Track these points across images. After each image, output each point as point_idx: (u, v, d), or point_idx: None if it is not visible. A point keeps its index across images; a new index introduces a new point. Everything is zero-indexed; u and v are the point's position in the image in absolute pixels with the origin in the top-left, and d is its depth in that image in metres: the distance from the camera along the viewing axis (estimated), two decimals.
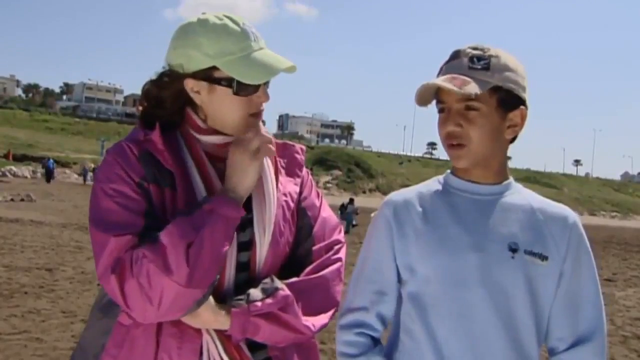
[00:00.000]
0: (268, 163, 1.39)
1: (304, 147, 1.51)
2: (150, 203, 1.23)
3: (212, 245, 1.16)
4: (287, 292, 1.25)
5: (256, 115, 1.32)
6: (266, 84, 1.31)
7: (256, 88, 1.29)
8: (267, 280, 1.27)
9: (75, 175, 36.33)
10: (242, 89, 1.27)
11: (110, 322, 1.29)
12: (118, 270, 1.15)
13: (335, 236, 1.42)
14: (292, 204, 1.40)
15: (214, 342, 1.24)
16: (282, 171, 1.43)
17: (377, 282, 1.38)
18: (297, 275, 1.33)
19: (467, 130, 1.28)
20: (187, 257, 1.13)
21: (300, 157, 1.48)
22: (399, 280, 1.37)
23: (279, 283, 1.26)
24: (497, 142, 1.31)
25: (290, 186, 1.42)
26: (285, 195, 1.39)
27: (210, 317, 1.21)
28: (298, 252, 1.38)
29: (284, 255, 1.36)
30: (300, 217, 1.41)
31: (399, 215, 1.36)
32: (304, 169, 1.48)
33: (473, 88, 1.24)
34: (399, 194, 1.42)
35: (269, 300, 1.22)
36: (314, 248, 1.38)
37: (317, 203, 1.45)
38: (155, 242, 1.15)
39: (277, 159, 1.43)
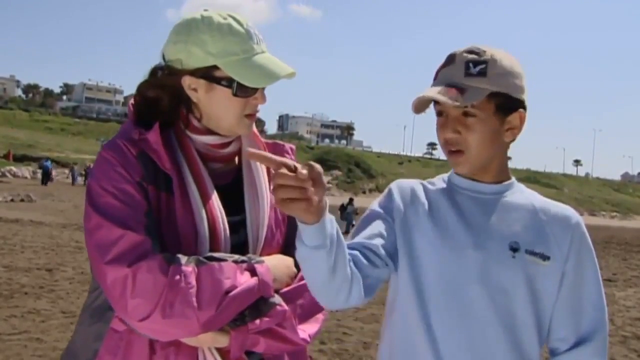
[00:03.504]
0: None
1: (293, 147, 1.50)
2: (149, 204, 1.22)
3: (242, 304, 1.17)
4: (284, 306, 1.23)
5: (250, 116, 1.31)
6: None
7: (255, 90, 1.28)
8: None
9: (77, 176, 36.24)
10: (241, 91, 1.26)
11: (102, 327, 1.26)
12: (138, 266, 1.13)
13: None
14: None
15: (210, 349, 1.23)
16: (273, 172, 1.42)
17: (370, 227, 1.34)
18: None
19: (465, 137, 1.27)
20: (221, 301, 1.15)
21: (291, 157, 1.46)
22: (393, 259, 1.33)
23: (276, 297, 1.24)
24: (496, 146, 1.31)
25: None
26: None
27: (208, 338, 1.20)
28: (287, 254, 1.36)
29: (278, 251, 1.36)
30: (290, 218, 1.40)
31: (406, 202, 1.36)
32: None
33: (467, 99, 1.22)
34: (408, 182, 1.41)
35: (266, 318, 1.21)
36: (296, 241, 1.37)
37: None
38: (196, 271, 1.15)
39: None
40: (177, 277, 1.14)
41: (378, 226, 1.33)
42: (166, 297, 1.12)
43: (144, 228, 1.18)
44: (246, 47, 1.26)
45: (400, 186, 1.40)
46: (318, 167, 0.99)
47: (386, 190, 1.42)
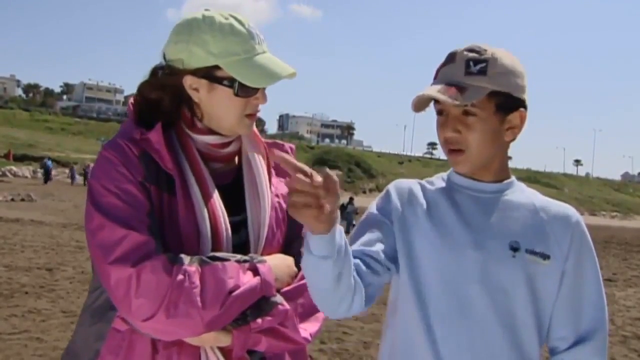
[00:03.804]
0: (261, 162, 1.38)
1: (293, 147, 1.50)
2: (151, 204, 1.22)
3: (244, 303, 1.18)
4: (286, 306, 1.24)
5: (251, 116, 1.31)
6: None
7: (256, 90, 1.28)
8: None
9: (76, 175, 36.23)
10: (242, 91, 1.26)
11: (104, 327, 1.26)
12: (142, 266, 1.14)
13: None
14: (284, 205, 1.38)
15: (212, 348, 1.23)
16: (273, 171, 1.41)
17: (369, 232, 1.33)
18: None
19: (465, 136, 1.27)
20: (224, 300, 1.15)
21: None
22: (394, 261, 1.33)
23: (278, 297, 1.25)
24: (496, 145, 1.30)
25: (282, 187, 1.40)
26: (277, 196, 1.38)
27: (210, 338, 1.20)
28: (287, 254, 1.36)
29: (278, 251, 1.35)
30: (290, 217, 1.40)
31: (403, 202, 1.36)
32: None
33: (467, 97, 1.22)
34: (406, 182, 1.41)
35: (268, 317, 1.21)
36: (302, 249, 1.37)
37: None
38: (200, 271, 1.16)
39: (269, 159, 1.41)
40: (181, 277, 1.14)
41: (377, 230, 1.32)
42: (170, 297, 1.13)
43: (147, 228, 1.18)
44: (247, 47, 1.26)
45: (398, 187, 1.40)
46: (335, 176, 0.98)
47: (384, 192, 1.41)
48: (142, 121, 1.28)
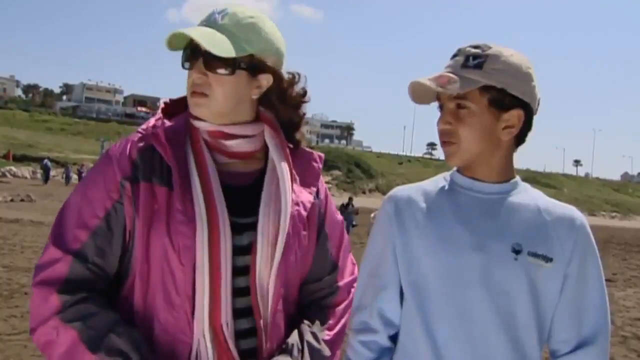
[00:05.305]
0: (286, 168, 1.33)
1: (322, 155, 1.44)
2: (113, 218, 1.22)
3: None
4: (327, 352, 1.31)
5: (194, 94, 1.26)
6: (206, 62, 1.22)
7: (189, 64, 1.26)
8: (315, 343, 1.30)
9: (75, 176, 36.24)
10: (184, 63, 1.28)
11: None
12: (37, 289, 1.20)
13: (355, 274, 1.45)
14: (303, 214, 1.33)
15: (206, 350, 1.21)
16: (297, 179, 1.35)
17: (377, 276, 1.37)
18: (317, 303, 1.39)
19: (456, 128, 1.28)
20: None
21: (318, 165, 1.41)
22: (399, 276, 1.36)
23: (325, 348, 1.30)
24: (491, 142, 1.30)
25: (304, 195, 1.35)
26: (297, 204, 1.32)
27: None
28: (323, 283, 1.39)
29: (295, 270, 1.33)
30: (322, 241, 1.39)
31: (401, 211, 1.35)
32: (321, 179, 1.42)
33: (454, 87, 1.23)
34: (403, 189, 1.41)
35: None
36: (340, 284, 1.41)
37: (338, 229, 1.45)
38: (72, 327, 1.17)
39: (292, 165, 1.36)
40: (48, 331, 1.17)
41: (386, 266, 1.36)
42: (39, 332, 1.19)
43: (78, 246, 1.20)
44: (197, 24, 1.27)
45: (394, 197, 1.40)
46: None
47: (381, 207, 1.42)
48: (171, 111, 1.33)
